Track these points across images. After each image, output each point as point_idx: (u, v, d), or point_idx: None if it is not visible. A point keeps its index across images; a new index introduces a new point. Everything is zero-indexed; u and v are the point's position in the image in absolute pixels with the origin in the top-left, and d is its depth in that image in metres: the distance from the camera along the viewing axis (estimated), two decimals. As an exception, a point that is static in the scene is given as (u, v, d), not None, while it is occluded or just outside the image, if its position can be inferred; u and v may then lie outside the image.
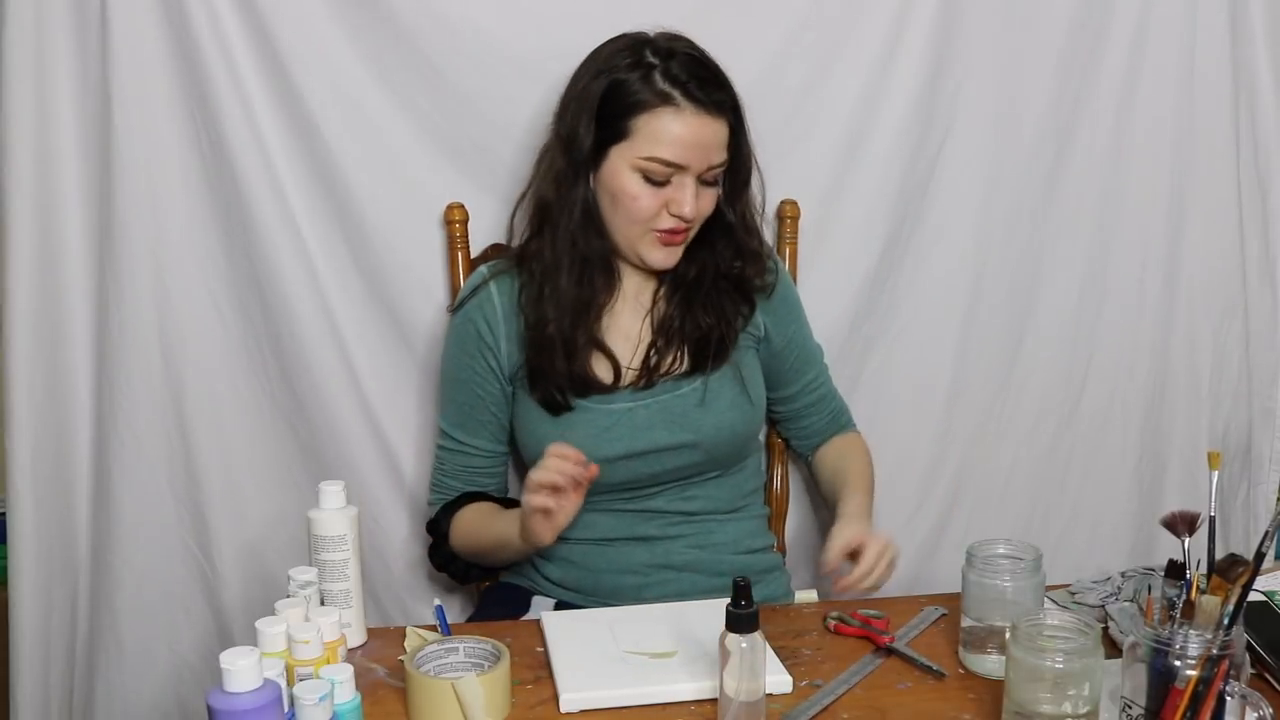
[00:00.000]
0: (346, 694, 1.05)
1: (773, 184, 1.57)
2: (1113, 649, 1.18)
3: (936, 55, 1.71)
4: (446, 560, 1.57)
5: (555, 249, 1.47)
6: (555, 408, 1.48)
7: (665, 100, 1.40)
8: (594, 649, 1.23)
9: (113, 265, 1.63)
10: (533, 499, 1.31)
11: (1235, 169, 1.83)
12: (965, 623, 1.21)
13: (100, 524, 1.71)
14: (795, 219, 1.72)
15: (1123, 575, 1.35)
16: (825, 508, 1.66)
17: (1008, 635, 1.04)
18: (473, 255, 1.68)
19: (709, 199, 1.46)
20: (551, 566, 1.54)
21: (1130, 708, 1.03)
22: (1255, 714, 1.01)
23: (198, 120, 1.60)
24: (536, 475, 1.32)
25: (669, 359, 1.50)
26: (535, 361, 1.48)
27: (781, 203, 1.70)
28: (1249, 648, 1.09)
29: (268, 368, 1.69)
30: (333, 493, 1.26)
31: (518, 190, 1.62)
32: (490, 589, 1.65)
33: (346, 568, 1.26)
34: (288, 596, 1.19)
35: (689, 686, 1.15)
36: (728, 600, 1.04)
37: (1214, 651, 0.97)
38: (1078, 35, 1.75)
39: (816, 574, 1.60)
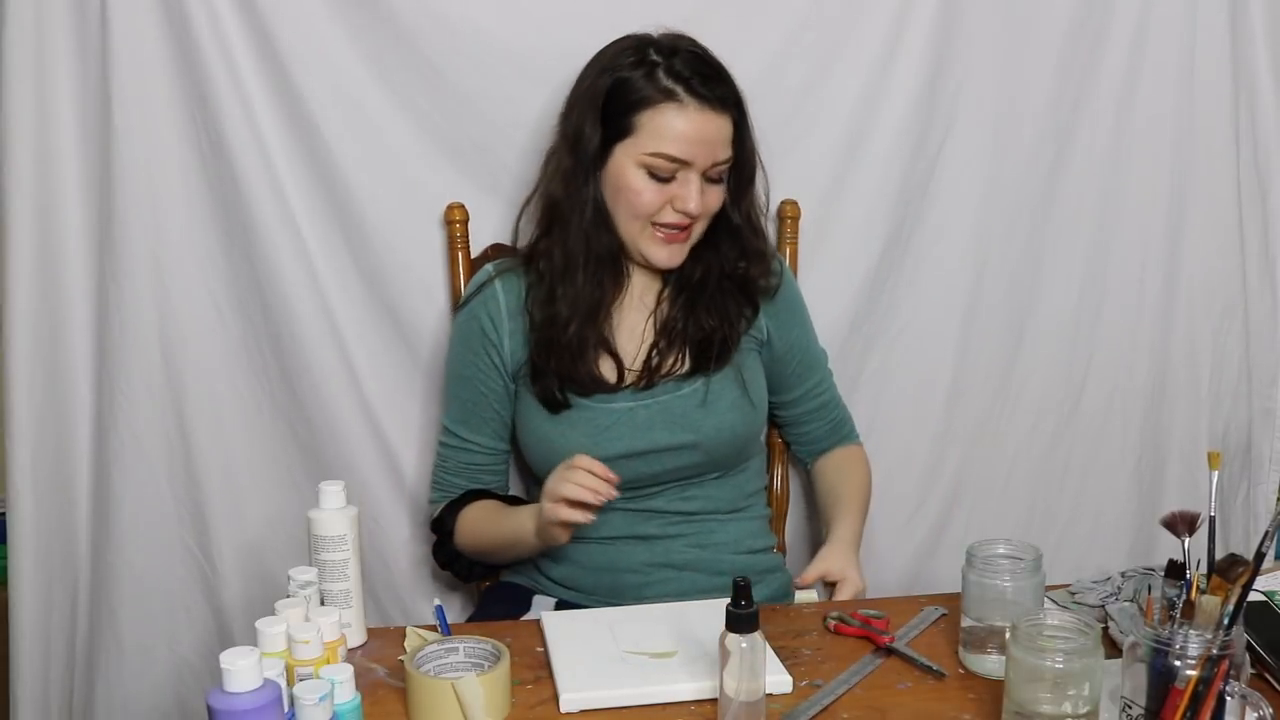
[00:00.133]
0: (346, 694, 1.05)
1: (773, 184, 1.57)
2: (1113, 649, 1.18)
3: (936, 55, 1.71)
4: (451, 558, 1.57)
5: (567, 248, 1.47)
6: (554, 405, 1.48)
7: (669, 96, 1.41)
8: (594, 649, 1.23)
9: (113, 265, 1.63)
10: (559, 513, 1.33)
11: (1235, 169, 1.83)
12: (965, 623, 1.21)
13: (100, 524, 1.71)
14: (795, 219, 1.72)
15: (1123, 575, 1.35)
16: (818, 519, 1.65)
17: (1008, 635, 1.04)
18: (473, 255, 1.68)
19: (714, 196, 1.47)
20: (553, 565, 1.54)
21: (1130, 708, 1.03)
22: (1255, 714, 1.01)
23: (198, 120, 1.60)
24: (562, 489, 1.32)
25: (670, 360, 1.50)
26: (541, 360, 1.48)
27: (782, 203, 1.70)
28: (1249, 648, 1.09)
29: (268, 368, 1.69)
30: (333, 493, 1.26)
31: (518, 190, 1.63)
32: (491, 588, 1.65)
33: (346, 568, 1.26)
34: (288, 596, 1.19)
35: (689, 686, 1.15)
36: (728, 600, 1.04)
37: (1214, 651, 0.97)
38: (1078, 35, 1.75)
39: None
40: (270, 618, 1.11)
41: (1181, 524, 1.07)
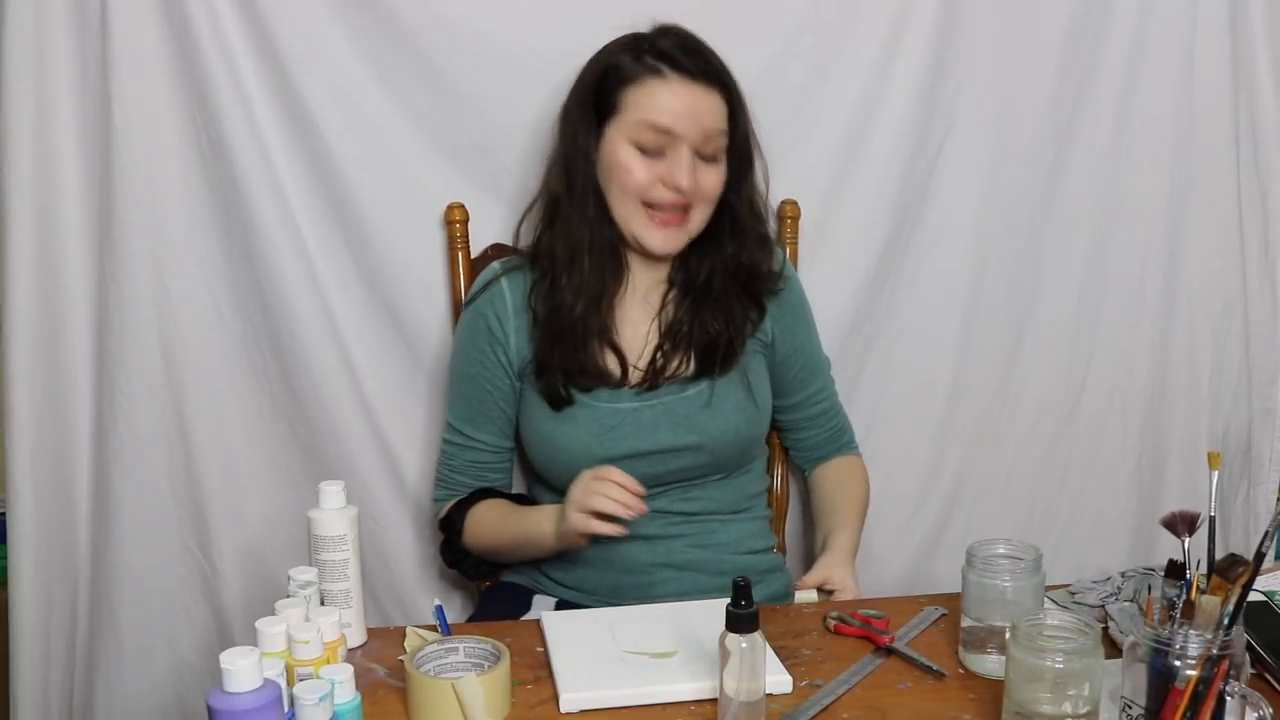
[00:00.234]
0: (346, 694, 1.05)
1: (773, 184, 1.57)
2: (1113, 649, 1.18)
3: (936, 55, 1.71)
4: (459, 557, 1.56)
5: (569, 239, 1.48)
6: (558, 402, 1.48)
7: (653, 71, 1.42)
8: (594, 649, 1.23)
9: (113, 265, 1.63)
10: (591, 526, 1.33)
11: (1235, 169, 1.83)
12: (965, 623, 1.21)
13: (100, 524, 1.71)
14: (795, 219, 1.72)
15: (1123, 575, 1.35)
16: (814, 527, 1.65)
17: (1008, 635, 1.04)
18: (473, 255, 1.68)
19: (710, 176, 1.45)
20: (553, 565, 1.54)
21: (1130, 708, 1.03)
22: (1255, 714, 1.01)
23: (198, 120, 1.60)
24: (593, 501, 1.33)
25: (675, 363, 1.50)
26: (545, 354, 1.47)
27: (781, 203, 1.70)
28: (1249, 648, 1.09)
29: (268, 368, 1.69)
30: (333, 493, 1.25)
31: (518, 190, 1.63)
32: (491, 588, 1.65)
33: (346, 568, 1.26)
34: (288, 596, 1.19)
35: (689, 686, 1.15)
36: (728, 600, 1.04)
37: (1214, 651, 0.97)
38: (1078, 35, 1.75)
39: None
40: (270, 618, 1.11)
41: (1181, 524, 1.07)
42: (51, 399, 1.67)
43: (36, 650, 1.73)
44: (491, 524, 1.52)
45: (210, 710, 0.95)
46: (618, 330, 1.51)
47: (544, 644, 1.26)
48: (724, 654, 1.04)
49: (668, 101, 1.41)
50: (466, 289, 1.66)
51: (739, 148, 1.48)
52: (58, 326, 1.65)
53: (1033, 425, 1.88)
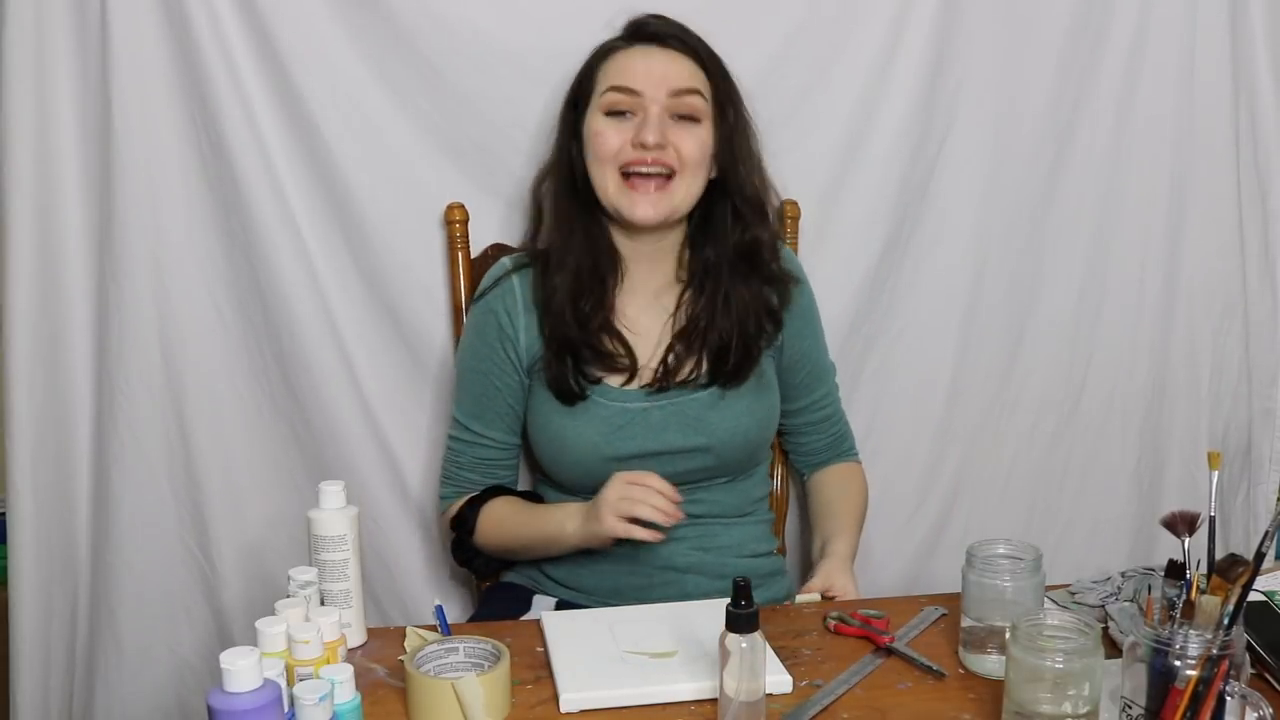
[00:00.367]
0: (346, 694, 1.05)
1: (773, 184, 1.57)
2: (1113, 649, 1.18)
3: (936, 55, 1.71)
4: (470, 556, 1.56)
5: (560, 225, 1.49)
6: (569, 396, 1.47)
7: (618, 46, 1.47)
8: (594, 649, 1.23)
9: (113, 265, 1.63)
10: (634, 533, 1.34)
11: (1235, 169, 1.83)
12: (965, 623, 1.21)
13: (100, 524, 1.71)
14: (795, 219, 1.72)
15: (1123, 575, 1.35)
16: (811, 531, 1.65)
17: (1008, 635, 1.04)
18: (473, 255, 1.68)
19: (685, 137, 1.44)
20: (554, 565, 1.54)
21: (1130, 708, 1.03)
22: (1255, 714, 1.01)
23: (198, 121, 1.60)
24: (635, 509, 1.33)
25: (688, 366, 1.49)
26: (551, 344, 1.47)
27: (782, 203, 1.70)
28: (1249, 648, 1.09)
29: (268, 368, 1.69)
30: (333, 493, 1.25)
31: (518, 190, 1.63)
32: (492, 588, 1.65)
33: (346, 568, 1.26)
34: (288, 596, 1.19)
35: (689, 686, 1.15)
36: (728, 600, 1.04)
37: (1214, 651, 0.97)
38: (1078, 35, 1.75)
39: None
40: (270, 618, 1.11)
41: (1181, 524, 1.07)
42: (51, 399, 1.67)
43: (36, 651, 1.73)
44: (507, 523, 1.51)
45: (210, 710, 0.95)
46: (627, 327, 1.50)
47: (544, 644, 1.26)
48: (724, 654, 1.05)
49: (628, 64, 1.45)
50: (467, 289, 1.66)
51: (726, 121, 1.48)
52: (58, 326, 1.65)
53: (1033, 425, 1.88)
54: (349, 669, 1.06)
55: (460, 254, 1.67)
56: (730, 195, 1.49)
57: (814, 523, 1.63)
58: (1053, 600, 1.32)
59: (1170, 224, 1.84)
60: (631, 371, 1.49)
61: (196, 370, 1.68)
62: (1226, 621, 0.98)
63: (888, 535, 1.83)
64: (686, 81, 1.44)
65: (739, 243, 1.50)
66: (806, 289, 1.59)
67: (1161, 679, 0.99)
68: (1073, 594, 1.34)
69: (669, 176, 1.44)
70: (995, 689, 1.13)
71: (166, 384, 1.67)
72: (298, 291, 1.65)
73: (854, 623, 1.29)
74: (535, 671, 1.21)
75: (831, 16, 1.68)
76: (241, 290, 1.66)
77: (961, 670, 1.21)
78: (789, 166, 1.64)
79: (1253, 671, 1.12)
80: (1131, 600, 1.29)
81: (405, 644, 1.25)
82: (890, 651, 1.24)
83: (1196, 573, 1.04)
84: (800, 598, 1.41)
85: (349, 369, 1.68)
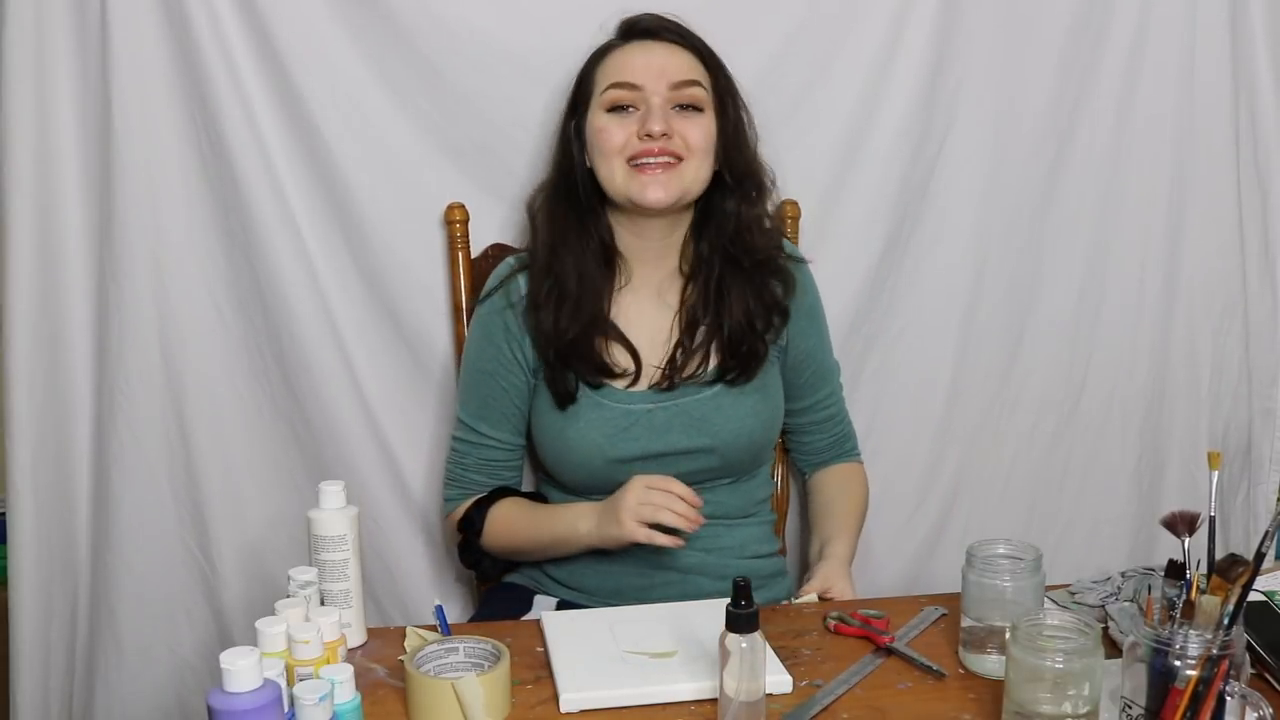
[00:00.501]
0: (346, 694, 1.05)
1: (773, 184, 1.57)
2: (1113, 649, 1.18)
3: (936, 55, 1.71)
4: (478, 558, 1.55)
5: (555, 226, 1.48)
6: (564, 400, 1.47)
7: (612, 46, 1.48)
8: (594, 649, 1.23)
9: (113, 265, 1.63)
10: (655, 539, 1.35)
11: (1235, 169, 1.83)
12: (965, 623, 1.21)
13: (100, 525, 1.71)
14: (795, 219, 1.72)
15: (1123, 575, 1.35)
16: (810, 530, 1.65)
17: (1008, 635, 1.04)
18: (473, 255, 1.68)
19: (690, 125, 1.44)
20: (556, 565, 1.54)
21: (1130, 708, 1.03)
22: (1255, 714, 1.01)
23: (198, 121, 1.60)
24: (659, 515, 1.34)
25: (695, 361, 1.49)
26: (545, 349, 1.47)
27: (782, 203, 1.70)
28: (1249, 648, 1.09)
29: (268, 368, 1.69)
30: (333, 493, 1.25)
31: (518, 190, 1.63)
32: (493, 588, 1.64)
33: (346, 568, 1.26)
34: (288, 596, 1.19)
35: (689, 686, 1.15)
36: (728, 600, 1.04)
37: (1214, 651, 0.97)
38: (1078, 35, 1.75)
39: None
40: (270, 618, 1.11)
41: (1181, 524, 1.07)
42: (51, 399, 1.67)
43: (36, 651, 1.72)
44: (516, 524, 1.51)
45: (210, 710, 0.95)
46: (627, 327, 1.50)
47: (544, 644, 1.26)
48: (724, 654, 1.05)
49: (626, 61, 1.45)
50: (467, 289, 1.66)
51: (726, 113, 1.48)
52: (58, 326, 1.65)
53: (1033, 425, 1.87)
54: (349, 669, 1.06)
55: (460, 254, 1.66)
56: (730, 186, 1.49)
57: (813, 523, 1.63)
58: (1053, 600, 1.32)
59: (1170, 224, 1.84)
60: (636, 374, 1.48)
61: (196, 370, 1.68)
62: (1226, 621, 0.98)
63: (888, 535, 1.83)
64: (686, 73, 1.45)
65: (735, 227, 1.49)
66: (811, 287, 1.59)
67: (1161, 679, 0.99)
68: (1073, 594, 1.34)
69: (677, 162, 1.44)
70: (995, 689, 1.13)
71: (166, 384, 1.67)
72: (298, 291, 1.65)
73: (854, 623, 1.29)
74: (535, 671, 1.21)
75: (832, 15, 1.68)
76: (241, 290, 1.66)
77: (961, 670, 1.21)
78: (789, 166, 1.64)
79: (1253, 671, 1.12)
80: (1131, 600, 1.29)
81: (405, 644, 1.25)
82: (890, 651, 1.24)
83: (1196, 573, 1.04)
84: (797, 600, 1.41)
85: (349, 369, 1.68)
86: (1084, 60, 1.77)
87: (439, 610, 1.28)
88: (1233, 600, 0.99)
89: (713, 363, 1.49)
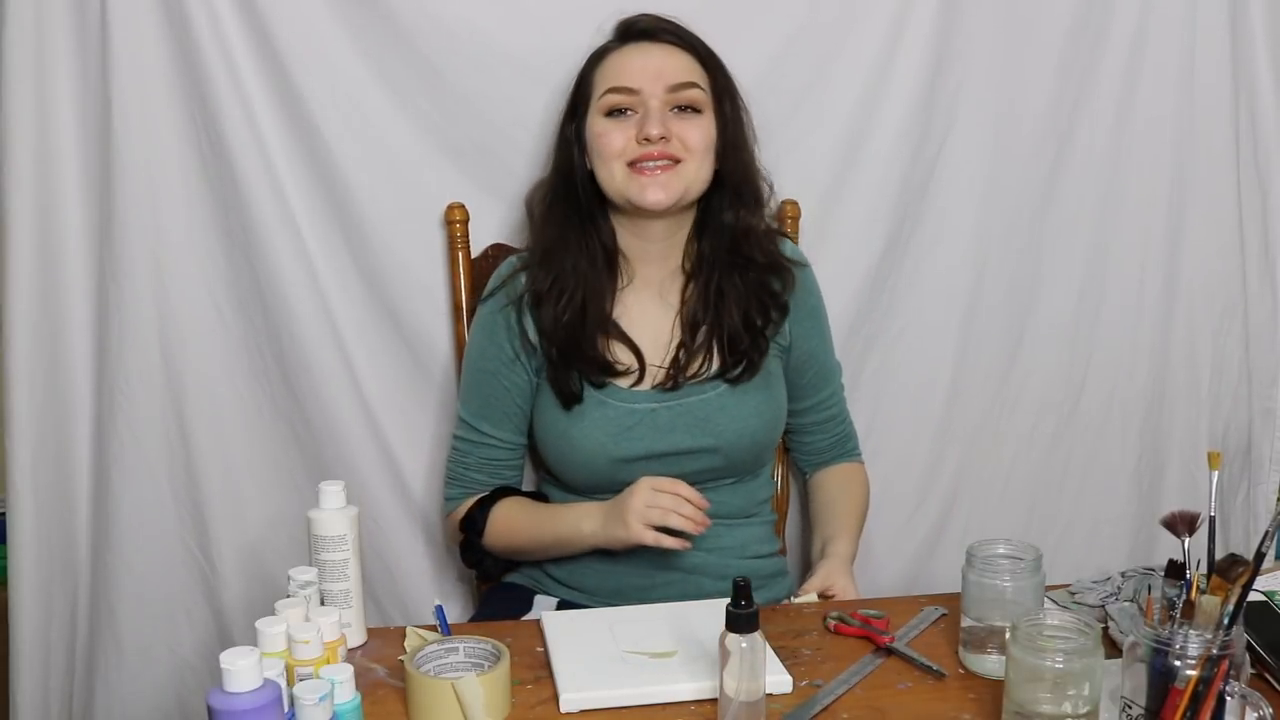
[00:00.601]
0: (346, 694, 1.05)
1: (773, 184, 1.57)
2: (1113, 649, 1.18)
3: (936, 55, 1.71)
4: (480, 557, 1.55)
5: (556, 227, 1.48)
6: (567, 399, 1.47)
7: (611, 48, 1.47)
8: (594, 649, 1.23)
9: (113, 265, 1.63)
10: (663, 543, 1.35)
11: (1235, 169, 1.83)
12: (965, 623, 1.21)
13: (100, 525, 1.71)
14: (795, 219, 1.72)
15: (1123, 575, 1.35)
16: (811, 529, 1.65)
17: (1008, 635, 1.04)
18: (473, 255, 1.68)
19: (689, 127, 1.44)
20: (557, 565, 1.54)
21: (1130, 708, 1.03)
22: (1255, 714, 1.01)
23: (198, 121, 1.60)
24: (667, 519, 1.34)
25: (698, 360, 1.49)
26: (549, 349, 1.47)
27: (782, 203, 1.70)
28: (1249, 648, 1.09)
29: (268, 368, 1.69)
30: (333, 493, 1.25)
31: (518, 190, 1.63)
32: (493, 588, 1.64)
33: (346, 568, 1.26)
34: (288, 596, 1.19)
35: (689, 686, 1.15)
36: (728, 600, 1.04)
37: (1214, 651, 0.97)
38: (1078, 36, 1.75)
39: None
40: (270, 618, 1.11)
41: (1181, 524, 1.07)
42: (51, 399, 1.67)
43: (36, 651, 1.72)
44: (519, 524, 1.51)
45: (210, 710, 0.95)
46: (630, 326, 1.50)
47: (544, 644, 1.26)
48: (724, 654, 1.05)
49: (623, 64, 1.45)
50: (467, 289, 1.66)
51: (724, 113, 1.48)
52: (58, 326, 1.65)
53: (1033, 425, 1.87)
54: (349, 669, 1.06)
55: (460, 254, 1.67)
56: (727, 186, 1.49)
57: (814, 522, 1.63)
58: (1053, 600, 1.32)
59: (1170, 224, 1.84)
60: (640, 373, 1.48)
61: (196, 370, 1.68)
62: (1226, 621, 0.98)
63: (888, 535, 1.83)
64: (684, 75, 1.45)
65: (733, 232, 1.50)
66: (813, 287, 1.58)
67: (1161, 679, 0.99)
68: (1073, 594, 1.34)
69: (676, 161, 1.44)
70: (995, 689, 1.13)
71: (166, 384, 1.67)
72: (298, 291, 1.65)
73: (854, 623, 1.29)
74: (535, 671, 1.21)
75: (832, 17, 1.68)
76: (241, 290, 1.66)
77: (961, 670, 1.21)
78: (789, 166, 1.64)
79: (1253, 671, 1.12)
80: (1131, 600, 1.29)
81: (405, 644, 1.25)
82: (890, 651, 1.24)
83: (1196, 573, 1.04)
84: (798, 599, 1.41)
85: (349, 369, 1.68)
86: (1084, 61, 1.77)
87: (439, 610, 1.28)
88: (1233, 600, 0.99)
89: (715, 361, 1.49)
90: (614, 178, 1.44)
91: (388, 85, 1.62)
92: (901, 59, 1.70)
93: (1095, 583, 1.34)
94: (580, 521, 1.44)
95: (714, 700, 1.11)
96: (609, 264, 1.50)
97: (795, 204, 1.71)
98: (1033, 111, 1.77)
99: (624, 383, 1.48)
